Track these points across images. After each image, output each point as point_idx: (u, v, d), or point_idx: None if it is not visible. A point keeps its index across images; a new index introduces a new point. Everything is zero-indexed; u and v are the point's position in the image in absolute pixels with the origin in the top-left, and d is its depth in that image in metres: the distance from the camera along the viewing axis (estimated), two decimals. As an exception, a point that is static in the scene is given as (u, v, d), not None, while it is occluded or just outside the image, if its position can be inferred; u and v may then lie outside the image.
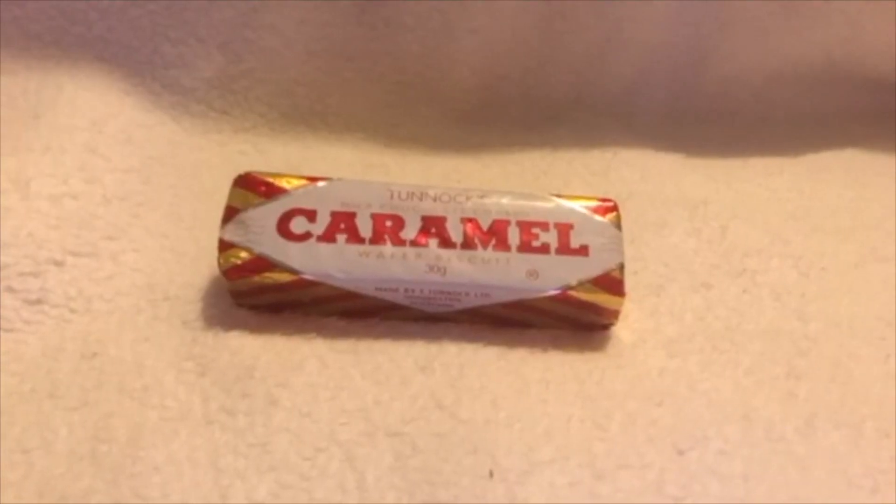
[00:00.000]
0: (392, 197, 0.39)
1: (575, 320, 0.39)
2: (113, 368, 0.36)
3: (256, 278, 0.37)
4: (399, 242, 0.38)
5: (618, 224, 0.40)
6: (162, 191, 0.43)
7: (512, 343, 0.39)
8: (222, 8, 0.48)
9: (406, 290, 0.38)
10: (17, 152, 0.42)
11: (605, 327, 0.40)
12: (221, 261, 0.38)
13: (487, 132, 0.52)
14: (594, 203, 0.40)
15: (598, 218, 0.40)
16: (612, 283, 0.38)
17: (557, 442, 0.34)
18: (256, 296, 0.38)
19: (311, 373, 0.36)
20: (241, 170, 0.40)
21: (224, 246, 0.38)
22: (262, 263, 0.37)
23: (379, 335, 0.38)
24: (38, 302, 0.38)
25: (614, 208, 0.40)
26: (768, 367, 0.38)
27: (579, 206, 0.40)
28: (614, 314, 0.39)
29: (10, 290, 0.38)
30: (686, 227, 0.46)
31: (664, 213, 0.47)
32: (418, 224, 0.38)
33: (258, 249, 0.38)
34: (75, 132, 0.44)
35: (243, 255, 0.38)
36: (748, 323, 0.41)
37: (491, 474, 0.33)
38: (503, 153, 0.51)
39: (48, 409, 0.35)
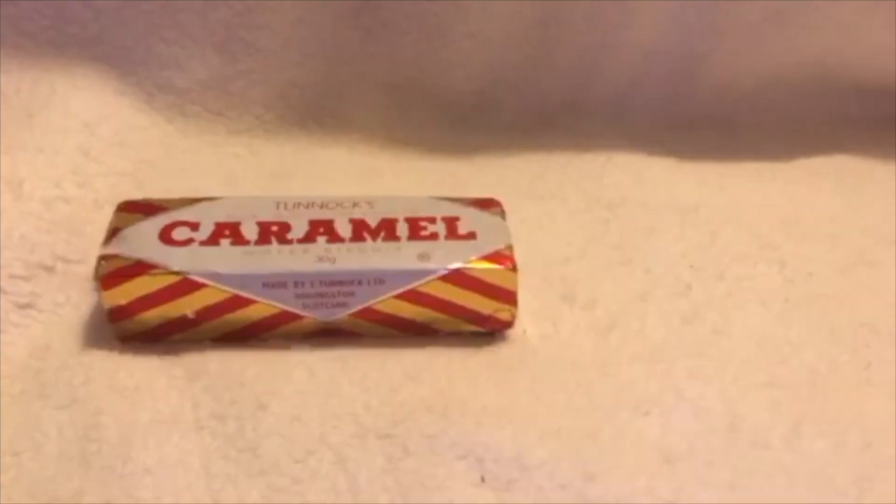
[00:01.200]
0: (278, 207, 0.39)
1: (474, 313, 0.39)
2: (102, 366, 0.37)
3: (136, 282, 0.36)
4: (286, 242, 0.38)
5: (502, 216, 0.41)
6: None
7: (499, 352, 0.39)
8: (217, 8, 0.48)
9: (296, 285, 0.37)
10: (10, 151, 0.42)
11: (508, 324, 0.39)
12: (98, 270, 0.36)
13: (482, 136, 0.52)
14: (476, 199, 0.41)
15: (482, 212, 0.41)
16: (502, 259, 0.38)
17: (549, 448, 0.35)
18: (137, 312, 0.37)
19: (299, 380, 0.37)
20: (235, 173, 0.40)
21: (103, 259, 0.37)
22: (142, 267, 0.36)
23: (366, 344, 0.39)
24: (28, 306, 0.39)
25: (498, 204, 0.41)
26: (753, 374, 0.39)
27: (462, 203, 0.41)
28: (511, 297, 0.39)
29: (2, 291, 0.38)
30: (676, 232, 0.46)
31: (655, 217, 0.47)
32: (305, 227, 0.38)
33: (138, 255, 0.37)
34: (69, 133, 0.44)
35: (123, 262, 0.36)
36: (734, 328, 0.41)
37: (483, 479, 0.34)
38: (497, 157, 0.51)
39: (37, 410, 0.35)
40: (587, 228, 0.47)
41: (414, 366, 0.38)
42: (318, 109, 0.51)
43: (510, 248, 0.39)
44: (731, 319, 0.42)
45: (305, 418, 0.35)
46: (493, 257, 0.38)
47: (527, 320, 0.40)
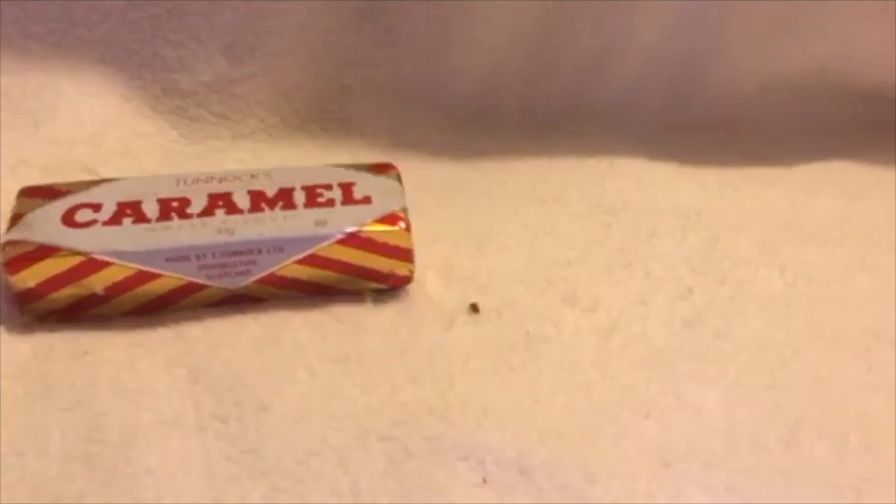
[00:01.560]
0: (178, 184, 0.40)
1: (374, 272, 0.40)
2: (105, 368, 0.37)
3: (42, 265, 0.37)
4: (186, 216, 0.39)
5: (398, 179, 0.42)
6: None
7: (501, 354, 0.39)
8: (224, 11, 0.48)
9: (198, 258, 0.38)
10: (17, 166, 0.43)
11: (407, 280, 0.41)
12: (2, 256, 0.37)
13: (485, 140, 0.53)
14: (372, 165, 0.43)
15: (378, 176, 0.42)
16: (396, 219, 0.40)
17: (550, 450, 0.35)
18: (46, 293, 0.37)
19: (301, 381, 0.37)
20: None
21: (6, 245, 0.37)
22: (46, 251, 0.37)
23: (365, 347, 0.39)
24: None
25: (392, 168, 0.43)
26: (753, 377, 0.39)
27: (359, 170, 0.42)
28: (407, 254, 0.40)
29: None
30: (677, 236, 0.47)
31: (656, 221, 0.47)
32: (205, 201, 0.39)
33: (42, 239, 0.37)
34: (74, 147, 0.45)
35: (26, 247, 0.37)
36: (735, 332, 0.41)
37: (484, 481, 0.34)
38: (500, 161, 0.52)
39: (41, 411, 0.35)
40: (589, 232, 0.47)
41: (415, 367, 0.38)
42: (322, 113, 0.51)
43: (404, 210, 0.40)
44: (733, 323, 0.42)
45: (307, 420, 0.35)
46: (388, 219, 0.40)
47: (529, 322, 0.41)
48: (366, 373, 0.38)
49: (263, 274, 0.39)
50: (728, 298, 0.43)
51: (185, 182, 0.40)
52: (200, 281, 0.38)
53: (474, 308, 0.41)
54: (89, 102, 0.47)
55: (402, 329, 0.40)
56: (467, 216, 0.47)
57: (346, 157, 0.50)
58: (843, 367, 0.40)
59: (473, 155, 0.51)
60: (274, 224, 0.39)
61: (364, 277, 0.40)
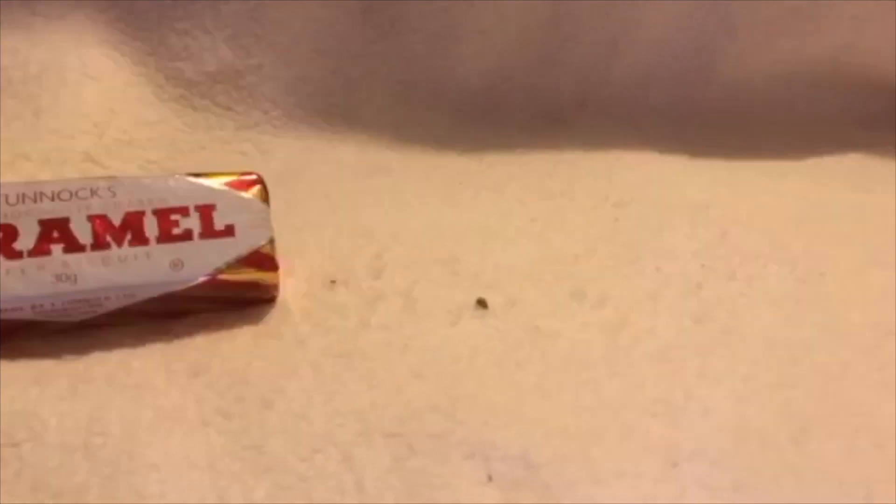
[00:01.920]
0: (1, 202, 0.34)
1: (236, 302, 0.37)
2: (100, 365, 0.36)
3: None
4: (15, 256, 0.33)
5: (264, 198, 0.38)
6: None
7: (508, 350, 0.39)
8: (230, 1, 0.48)
9: (34, 308, 0.33)
10: (15, 161, 0.42)
11: (271, 300, 0.38)
12: None
13: (492, 133, 0.52)
14: (234, 178, 0.38)
15: (241, 194, 0.37)
16: (262, 260, 0.37)
17: (556, 447, 0.35)
18: None
19: (304, 377, 0.36)
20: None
21: None
22: None
23: (371, 342, 0.38)
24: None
25: (258, 181, 0.38)
26: (763, 374, 0.38)
27: (218, 183, 0.37)
28: (273, 288, 0.38)
29: None
30: (686, 230, 0.46)
31: (666, 216, 0.47)
32: (36, 231, 0.34)
33: None
34: (76, 138, 0.44)
35: None
36: (744, 328, 0.41)
37: (489, 478, 0.34)
38: (507, 154, 0.51)
39: (34, 398, 0.34)
40: (597, 226, 0.46)
41: (420, 363, 0.38)
42: (327, 106, 0.51)
43: (271, 242, 0.37)
44: (742, 319, 0.41)
45: (311, 416, 0.35)
46: (254, 259, 0.36)
47: (537, 317, 0.40)
48: (370, 368, 0.37)
49: (113, 310, 0.35)
50: (738, 294, 0.43)
51: (8, 201, 0.34)
52: (41, 320, 0.34)
53: (481, 303, 0.41)
54: (93, 88, 0.46)
55: (407, 324, 0.39)
56: (473, 210, 0.46)
57: (352, 150, 0.49)
58: (853, 364, 0.39)
59: (480, 149, 0.51)
60: (122, 267, 0.34)
61: (225, 306, 0.37)
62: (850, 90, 0.54)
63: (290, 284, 0.40)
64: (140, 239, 0.35)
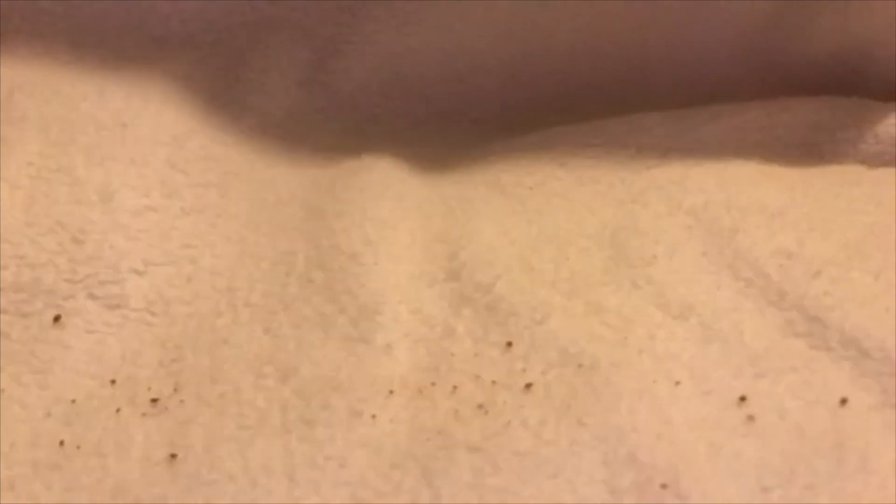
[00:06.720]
0: None
1: None
2: (191, 374, 0.36)
3: None
4: None
5: None
6: (239, 203, 0.44)
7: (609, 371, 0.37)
8: (302, 50, 0.51)
9: None
10: (103, 162, 0.44)
11: None
12: None
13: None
14: None
15: None
16: None
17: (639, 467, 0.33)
18: None
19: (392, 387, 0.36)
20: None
21: None
22: None
23: (457, 352, 0.38)
24: (118, 307, 0.39)
25: None
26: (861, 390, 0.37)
27: None
28: None
29: (92, 296, 0.39)
30: (763, 233, 0.44)
31: (739, 221, 0.45)
32: None
33: None
34: (158, 147, 0.46)
35: None
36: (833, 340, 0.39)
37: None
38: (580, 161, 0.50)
39: (126, 415, 0.35)
40: (671, 233, 0.45)
41: (508, 375, 0.37)
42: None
43: None
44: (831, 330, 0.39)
45: (395, 430, 0.34)
46: None
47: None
48: (457, 380, 0.36)
49: None
50: (824, 307, 0.41)
51: None
52: None
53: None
54: (174, 111, 0.48)
55: (493, 331, 0.38)
56: (543, 218, 0.46)
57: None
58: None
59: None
60: None
61: None
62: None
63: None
64: None
